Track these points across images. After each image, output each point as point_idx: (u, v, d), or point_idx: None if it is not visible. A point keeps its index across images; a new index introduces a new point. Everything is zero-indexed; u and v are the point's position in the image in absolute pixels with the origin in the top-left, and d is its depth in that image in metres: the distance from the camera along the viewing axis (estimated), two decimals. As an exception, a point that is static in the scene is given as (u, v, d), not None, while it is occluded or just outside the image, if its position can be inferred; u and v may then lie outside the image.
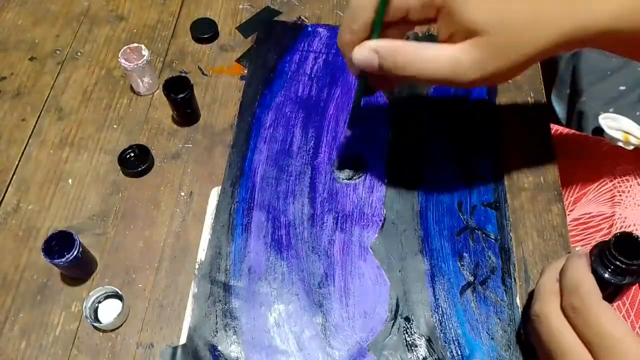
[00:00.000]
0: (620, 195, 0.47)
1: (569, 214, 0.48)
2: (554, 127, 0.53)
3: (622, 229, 0.45)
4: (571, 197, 0.49)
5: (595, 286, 0.29)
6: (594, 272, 0.31)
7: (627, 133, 0.53)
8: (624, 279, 0.30)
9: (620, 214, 0.46)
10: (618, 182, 0.48)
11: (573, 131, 0.55)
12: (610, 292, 0.31)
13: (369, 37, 0.32)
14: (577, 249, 0.32)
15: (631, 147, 0.46)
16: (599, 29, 0.29)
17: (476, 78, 0.29)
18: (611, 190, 0.47)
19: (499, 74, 0.29)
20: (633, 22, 0.28)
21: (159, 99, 0.48)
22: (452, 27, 0.29)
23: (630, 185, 0.47)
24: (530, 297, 0.35)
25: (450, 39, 0.30)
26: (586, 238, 0.46)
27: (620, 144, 0.48)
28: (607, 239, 0.31)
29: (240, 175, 0.43)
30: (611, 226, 0.46)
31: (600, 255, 0.31)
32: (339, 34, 0.33)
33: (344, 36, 0.32)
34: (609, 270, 0.30)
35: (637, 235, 0.30)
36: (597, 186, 0.48)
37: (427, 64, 0.30)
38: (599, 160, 0.50)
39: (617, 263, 0.30)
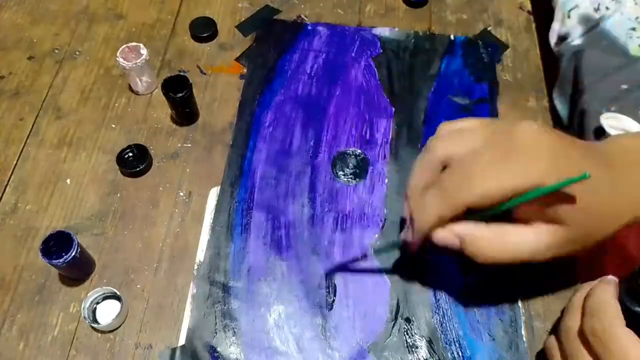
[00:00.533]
0: None
1: None
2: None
3: None
4: None
5: (620, 313, 0.29)
6: (621, 302, 0.30)
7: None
8: None
9: None
10: None
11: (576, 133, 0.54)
12: (635, 325, 0.30)
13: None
14: (608, 277, 0.32)
15: None
16: None
17: (552, 256, 0.30)
18: None
19: (572, 253, 0.30)
20: None
21: (158, 98, 0.48)
22: (537, 211, 0.29)
23: None
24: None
25: (530, 223, 0.30)
26: None
27: None
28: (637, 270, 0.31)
29: (239, 175, 0.43)
30: None
31: (628, 286, 0.30)
32: (418, 211, 0.31)
33: (428, 218, 0.30)
34: (636, 302, 0.30)
35: None
36: None
37: (510, 249, 0.30)
38: None
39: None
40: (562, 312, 0.35)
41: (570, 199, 0.28)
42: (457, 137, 0.31)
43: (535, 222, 0.30)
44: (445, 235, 0.31)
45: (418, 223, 0.31)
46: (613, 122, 0.46)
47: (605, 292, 0.30)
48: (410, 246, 0.33)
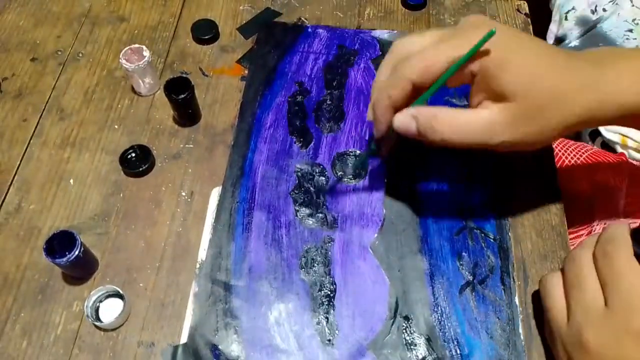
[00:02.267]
0: None
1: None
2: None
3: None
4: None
5: (630, 243, 0.30)
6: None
7: (625, 136, 0.53)
8: None
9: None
10: None
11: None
12: None
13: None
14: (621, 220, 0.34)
15: (630, 151, 0.46)
16: (624, 107, 0.30)
17: (506, 139, 0.31)
18: None
19: (526, 139, 0.31)
20: None
21: (160, 100, 0.48)
22: (486, 91, 0.31)
23: None
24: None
25: (480, 105, 0.32)
26: None
27: (617, 147, 0.48)
28: None
29: (240, 175, 0.43)
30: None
31: (637, 236, 0.31)
32: (376, 101, 0.34)
33: (382, 101, 0.34)
34: None
35: None
36: None
37: (463, 127, 0.31)
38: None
39: None
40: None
41: (513, 72, 0.30)
42: (416, 37, 0.34)
43: (486, 103, 0.31)
44: (402, 119, 0.33)
45: (378, 110, 0.34)
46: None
47: (619, 227, 0.31)
48: (382, 148, 0.36)
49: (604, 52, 0.33)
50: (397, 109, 0.34)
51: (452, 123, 0.31)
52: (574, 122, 0.31)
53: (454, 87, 0.34)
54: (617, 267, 0.29)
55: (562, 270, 0.33)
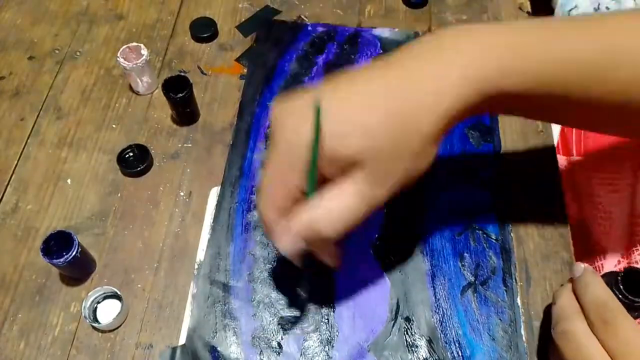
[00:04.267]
0: None
1: None
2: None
3: None
4: None
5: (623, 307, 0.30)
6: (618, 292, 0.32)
7: None
8: (630, 313, 0.31)
9: None
10: None
11: None
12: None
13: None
14: (581, 265, 0.33)
15: None
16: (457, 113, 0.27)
17: (385, 194, 0.28)
18: None
19: (404, 180, 0.28)
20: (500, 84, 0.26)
21: (158, 99, 0.48)
22: (339, 168, 0.27)
23: None
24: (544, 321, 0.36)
25: (342, 177, 0.28)
26: None
27: None
28: (617, 272, 0.32)
29: (239, 175, 0.43)
30: None
31: (610, 286, 0.32)
32: (263, 213, 0.30)
33: (270, 214, 0.29)
34: (633, 294, 0.32)
35: None
36: None
37: (338, 211, 0.28)
38: None
39: (622, 298, 0.31)
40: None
41: (346, 142, 0.26)
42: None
43: (340, 179, 0.28)
44: (287, 243, 0.29)
45: (266, 227, 0.30)
46: None
47: (597, 285, 0.31)
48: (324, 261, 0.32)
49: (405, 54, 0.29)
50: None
51: (329, 213, 0.28)
52: (437, 135, 0.27)
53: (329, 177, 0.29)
54: (624, 337, 0.28)
55: (555, 346, 0.32)
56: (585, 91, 0.28)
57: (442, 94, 0.26)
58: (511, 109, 0.31)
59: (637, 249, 0.42)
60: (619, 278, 0.32)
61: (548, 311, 0.37)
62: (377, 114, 0.26)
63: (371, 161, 0.27)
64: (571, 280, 0.33)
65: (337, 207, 0.28)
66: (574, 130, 0.49)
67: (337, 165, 0.28)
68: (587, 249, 0.45)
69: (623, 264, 0.43)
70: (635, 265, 0.41)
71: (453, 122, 0.28)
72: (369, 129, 0.26)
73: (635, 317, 0.31)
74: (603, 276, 0.33)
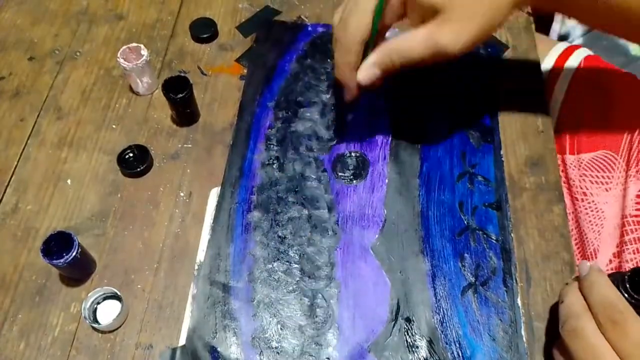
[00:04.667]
0: None
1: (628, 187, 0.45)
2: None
3: None
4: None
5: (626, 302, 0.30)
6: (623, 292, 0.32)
7: None
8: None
9: None
10: None
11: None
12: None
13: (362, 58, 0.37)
14: (587, 263, 0.33)
15: None
16: None
17: (456, 47, 0.33)
18: None
19: (475, 37, 0.33)
20: None
21: (158, 99, 0.48)
22: (418, 13, 0.34)
23: None
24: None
25: (422, 24, 0.34)
26: None
27: None
28: (622, 272, 0.32)
29: (239, 175, 0.43)
30: None
31: (616, 287, 0.32)
32: (339, 72, 0.38)
33: (346, 71, 0.38)
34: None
35: None
36: None
37: (407, 45, 0.35)
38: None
39: (627, 298, 0.31)
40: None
41: None
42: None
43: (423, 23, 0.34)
44: (366, 73, 0.37)
45: (346, 80, 0.38)
46: None
47: (605, 285, 0.31)
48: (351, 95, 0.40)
49: None
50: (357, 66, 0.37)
51: (399, 47, 0.35)
52: (510, 7, 0.33)
53: (395, 23, 0.37)
54: (635, 339, 0.28)
55: (563, 344, 0.32)
56: None
57: None
58: None
59: (628, 249, 0.42)
60: (626, 277, 0.32)
61: (552, 310, 0.37)
62: None
63: (450, 9, 0.32)
64: (577, 278, 0.33)
65: (409, 41, 0.34)
66: (567, 133, 0.49)
67: (418, 13, 0.34)
68: (580, 247, 0.45)
69: (614, 264, 0.43)
70: (626, 264, 0.41)
71: (522, 3, 0.34)
72: None
73: None
74: (609, 276, 0.33)
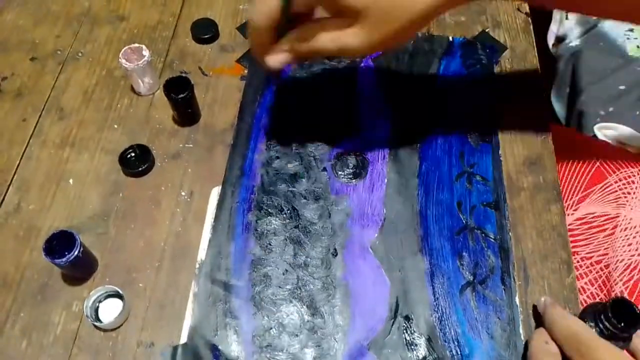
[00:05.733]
0: (625, 197, 0.47)
1: (572, 213, 0.48)
2: (556, 128, 0.54)
3: (627, 230, 0.45)
4: (575, 196, 0.49)
5: (591, 329, 0.31)
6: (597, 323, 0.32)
7: (623, 144, 0.53)
8: (616, 343, 0.31)
9: (625, 216, 0.46)
10: (623, 184, 0.48)
11: (575, 131, 0.55)
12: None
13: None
14: (542, 299, 0.34)
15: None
16: None
17: (365, 50, 0.34)
18: (616, 191, 0.48)
19: (387, 41, 0.33)
20: None
21: (160, 99, 0.48)
22: (336, 10, 0.33)
23: (636, 187, 0.47)
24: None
25: (337, 17, 0.34)
26: (589, 238, 0.47)
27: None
28: (603, 302, 0.33)
29: (240, 175, 0.43)
30: (615, 227, 0.46)
31: (595, 317, 0.32)
32: (253, 52, 0.38)
33: (257, 52, 0.37)
34: (604, 333, 0.32)
35: (633, 303, 0.32)
36: (601, 187, 0.49)
37: (318, 41, 0.34)
38: (603, 160, 0.50)
39: (611, 328, 0.31)
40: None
41: None
42: None
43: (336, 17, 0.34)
44: (278, 57, 0.37)
45: (257, 59, 0.38)
46: (607, 131, 0.47)
47: (562, 317, 0.32)
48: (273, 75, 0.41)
49: None
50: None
51: (309, 41, 0.35)
52: (433, 10, 0.32)
53: (299, 13, 0.36)
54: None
55: None
56: None
57: None
58: None
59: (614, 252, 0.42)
60: (608, 307, 0.32)
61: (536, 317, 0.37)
62: None
63: (369, 13, 0.32)
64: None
65: (317, 37, 0.34)
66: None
67: (334, 9, 0.33)
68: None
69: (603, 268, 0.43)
70: (617, 296, 0.42)
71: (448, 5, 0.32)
72: None
73: (621, 347, 0.31)
74: (588, 307, 0.33)
